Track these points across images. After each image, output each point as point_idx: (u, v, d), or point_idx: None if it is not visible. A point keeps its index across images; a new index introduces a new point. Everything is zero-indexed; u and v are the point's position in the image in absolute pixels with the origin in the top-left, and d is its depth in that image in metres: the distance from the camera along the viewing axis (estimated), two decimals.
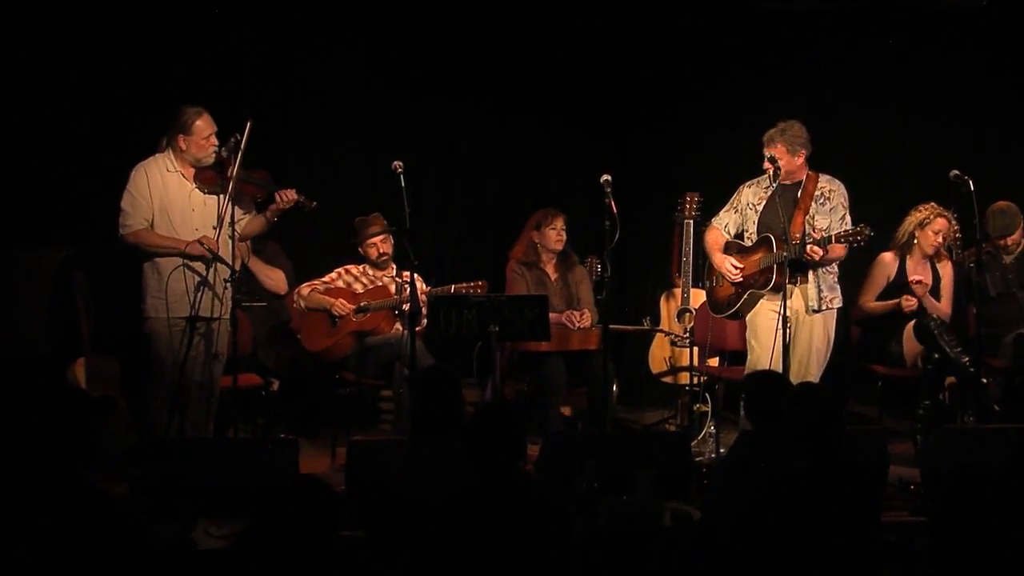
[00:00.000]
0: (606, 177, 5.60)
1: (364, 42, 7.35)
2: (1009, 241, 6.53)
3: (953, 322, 6.38)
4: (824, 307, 5.59)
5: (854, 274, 6.94)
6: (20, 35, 6.78)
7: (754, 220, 5.84)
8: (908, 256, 6.48)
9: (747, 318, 5.89)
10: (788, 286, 5.63)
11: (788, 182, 5.77)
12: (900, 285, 6.43)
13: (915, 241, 6.43)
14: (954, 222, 6.53)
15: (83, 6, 6.85)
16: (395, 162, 5.63)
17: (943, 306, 6.42)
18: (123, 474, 5.33)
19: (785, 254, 5.57)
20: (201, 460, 4.82)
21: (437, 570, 3.54)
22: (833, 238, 5.46)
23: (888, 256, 6.53)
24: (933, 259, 6.48)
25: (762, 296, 5.76)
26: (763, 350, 5.73)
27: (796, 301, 5.73)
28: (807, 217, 5.67)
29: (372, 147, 7.33)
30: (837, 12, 7.36)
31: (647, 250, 7.32)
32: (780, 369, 5.56)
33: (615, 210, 5.57)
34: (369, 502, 4.50)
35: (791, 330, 5.69)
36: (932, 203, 6.43)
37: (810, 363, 5.55)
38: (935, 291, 6.42)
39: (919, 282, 6.29)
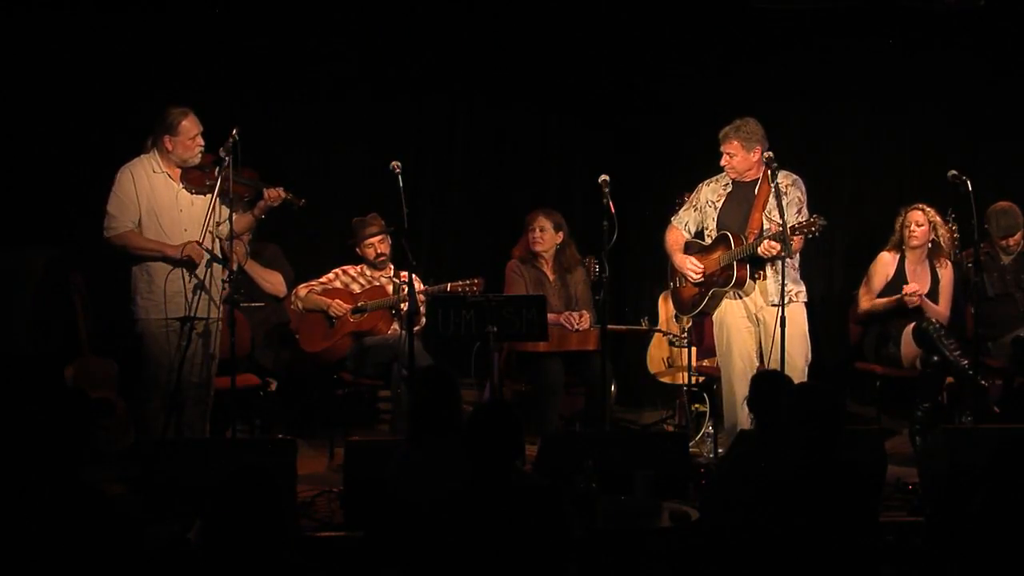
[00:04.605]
0: (604, 177, 5.60)
1: (361, 40, 7.33)
2: (1011, 241, 6.53)
3: (951, 323, 6.38)
4: (788, 300, 5.56)
5: (855, 274, 6.96)
6: (8, 36, 6.77)
7: (713, 217, 5.89)
8: (906, 256, 6.48)
9: (714, 317, 5.93)
10: (749, 283, 5.70)
11: (745, 179, 5.82)
12: (900, 287, 6.42)
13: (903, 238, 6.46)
14: (951, 222, 6.53)
15: (72, 5, 6.84)
16: (393, 162, 5.63)
17: (941, 308, 6.41)
18: (120, 474, 5.35)
19: (742, 250, 5.65)
20: (199, 461, 4.82)
21: (435, 570, 3.54)
22: (788, 230, 5.48)
23: (887, 256, 6.54)
24: (932, 261, 6.48)
25: (725, 293, 5.79)
26: (737, 346, 5.79)
27: (757, 297, 5.77)
28: (764, 213, 5.70)
29: (370, 147, 7.32)
30: (837, 12, 7.35)
31: (645, 250, 7.31)
32: (758, 364, 5.66)
33: (613, 210, 5.57)
34: (367, 502, 4.50)
35: (760, 328, 5.74)
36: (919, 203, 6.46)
37: (793, 357, 5.56)
38: (933, 292, 6.42)
39: (913, 293, 6.27)
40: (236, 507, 3.10)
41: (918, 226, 6.40)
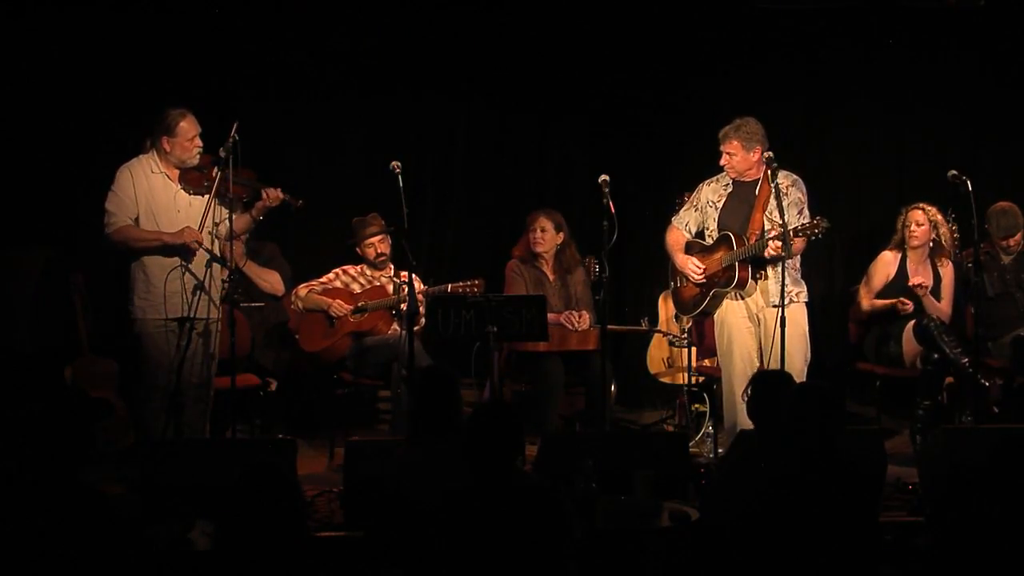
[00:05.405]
0: (604, 177, 5.60)
1: (362, 41, 7.33)
2: (1011, 242, 6.53)
3: (952, 322, 6.38)
4: (788, 301, 5.56)
5: (855, 274, 6.97)
6: (8, 36, 6.77)
7: (714, 218, 5.89)
8: (908, 256, 6.49)
9: (715, 317, 5.93)
10: (751, 283, 5.71)
11: (746, 179, 5.82)
12: (901, 286, 6.43)
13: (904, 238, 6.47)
14: (951, 221, 6.53)
15: (72, 6, 6.84)
16: (393, 162, 5.63)
17: (943, 307, 6.41)
18: (120, 474, 5.35)
19: (744, 251, 5.65)
20: (199, 461, 4.82)
21: (436, 570, 3.54)
22: (791, 232, 5.48)
23: (888, 255, 6.54)
24: (934, 260, 6.48)
25: (726, 294, 5.79)
26: (737, 346, 5.80)
27: (758, 298, 5.78)
28: (765, 213, 5.70)
29: (370, 147, 7.33)
30: (837, 12, 7.36)
31: (645, 250, 7.31)
32: (758, 364, 5.67)
33: (613, 210, 5.57)
34: (367, 502, 4.50)
35: (761, 328, 5.75)
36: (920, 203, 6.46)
37: (793, 358, 5.56)
38: (935, 292, 6.42)
39: (920, 284, 6.29)
40: (252, 506, 3.09)
41: (918, 226, 6.41)
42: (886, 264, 6.53)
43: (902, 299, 6.34)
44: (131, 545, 3.45)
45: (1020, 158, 7.42)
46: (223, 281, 5.55)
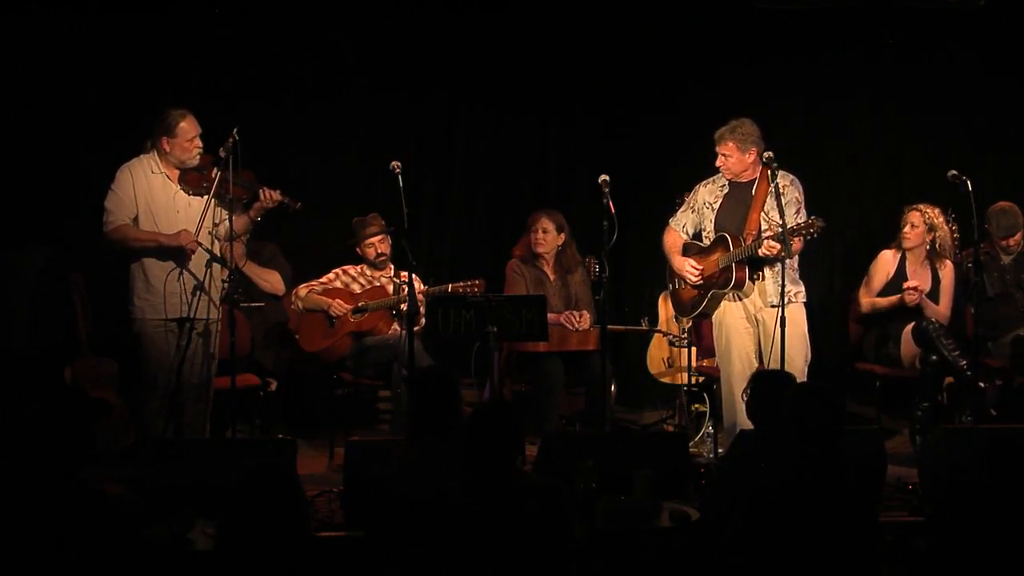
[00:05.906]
0: (604, 177, 5.60)
1: (361, 40, 7.33)
2: (1011, 241, 6.53)
3: (951, 323, 6.38)
4: (787, 301, 5.55)
5: (854, 274, 6.96)
6: (9, 37, 6.77)
7: (711, 219, 5.89)
8: (906, 257, 6.49)
9: (713, 318, 5.93)
10: (748, 284, 5.71)
11: (742, 180, 5.82)
12: (900, 286, 6.42)
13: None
14: (951, 222, 6.53)
15: (72, 7, 6.85)
16: (393, 162, 5.63)
17: (942, 308, 6.40)
18: (120, 474, 5.35)
19: (741, 252, 5.64)
20: (199, 461, 4.82)
21: (436, 571, 3.54)
22: (788, 232, 5.48)
23: (888, 254, 6.54)
24: (933, 260, 6.48)
25: (724, 295, 5.79)
26: (736, 347, 5.80)
27: (756, 298, 5.78)
28: (762, 213, 5.70)
29: (371, 147, 7.32)
30: (837, 12, 7.36)
31: (645, 250, 7.30)
32: (757, 365, 5.68)
33: (613, 210, 5.56)
34: (367, 502, 4.50)
35: (759, 328, 5.76)
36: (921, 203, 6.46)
37: (793, 358, 5.57)
38: (935, 292, 6.41)
39: (913, 288, 6.27)
40: (255, 506, 3.09)
41: (912, 228, 6.41)
42: (886, 263, 6.53)
43: (909, 291, 6.31)
44: (131, 545, 3.45)
45: (1020, 158, 7.42)
46: (223, 281, 5.55)
